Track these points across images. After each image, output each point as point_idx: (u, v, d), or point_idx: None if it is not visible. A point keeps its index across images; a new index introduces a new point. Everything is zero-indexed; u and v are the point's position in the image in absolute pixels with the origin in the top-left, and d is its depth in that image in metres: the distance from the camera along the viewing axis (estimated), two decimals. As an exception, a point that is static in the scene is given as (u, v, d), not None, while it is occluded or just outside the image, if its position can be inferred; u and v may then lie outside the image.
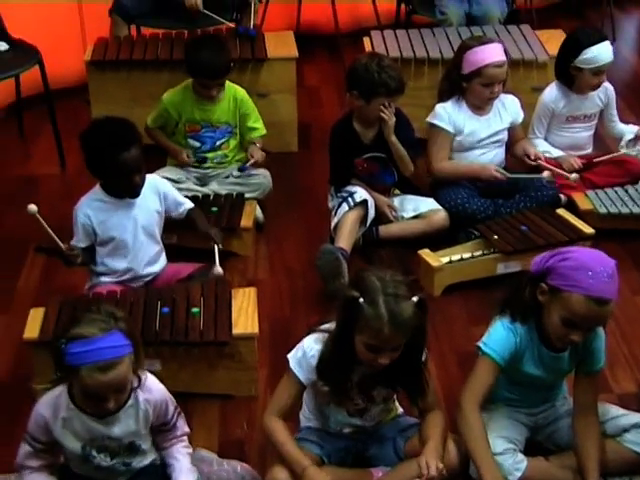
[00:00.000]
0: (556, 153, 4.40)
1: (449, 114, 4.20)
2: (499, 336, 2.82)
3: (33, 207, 3.26)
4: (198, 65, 4.21)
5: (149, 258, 3.62)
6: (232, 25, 5.04)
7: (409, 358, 2.68)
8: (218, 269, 3.56)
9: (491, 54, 4.09)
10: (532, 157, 4.25)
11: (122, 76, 4.74)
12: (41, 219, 3.29)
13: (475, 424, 2.77)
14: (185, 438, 2.81)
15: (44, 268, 4.03)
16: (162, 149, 4.45)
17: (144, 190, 3.53)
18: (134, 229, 3.54)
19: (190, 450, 2.82)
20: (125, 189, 3.48)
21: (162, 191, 3.63)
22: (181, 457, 2.77)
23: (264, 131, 4.45)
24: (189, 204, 3.75)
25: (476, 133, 4.23)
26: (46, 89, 4.73)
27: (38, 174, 4.79)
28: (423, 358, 2.76)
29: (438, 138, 4.23)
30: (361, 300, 2.56)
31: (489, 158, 4.26)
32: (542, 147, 4.39)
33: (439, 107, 4.22)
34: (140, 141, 3.46)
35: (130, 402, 2.63)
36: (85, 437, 2.63)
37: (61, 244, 3.38)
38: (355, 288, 2.61)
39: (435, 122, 4.20)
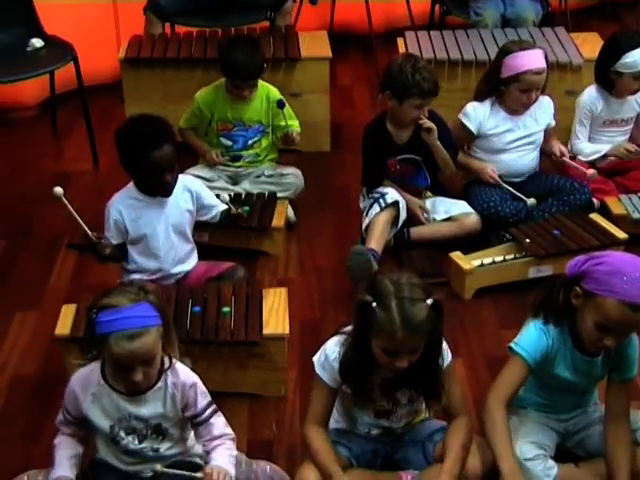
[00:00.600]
0: (592, 148, 4.38)
1: (477, 114, 4.20)
2: (531, 337, 2.81)
3: (59, 190, 3.28)
4: (232, 66, 4.22)
5: (180, 257, 3.63)
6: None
7: (425, 360, 2.67)
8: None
9: (531, 60, 4.07)
10: (558, 154, 4.24)
11: (156, 74, 4.76)
12: (68, 203, 3.31)
13: (498, 419, 2.74)
14: (229, 442, 2.73)
15: (76, 265, 4.05)
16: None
17: (176, 189, 3.53)
18: (165, 228, 3.55)
19: (234, 452, 2.74)
20: (157, 187, 3.49)
21: (194, 190, 3.63)
22: (218, 456, 2.68)
23: (299, 128, 4.40)
24: (222, 206, 3.76)
25: (510, 134, 4.22)
26: (80, 86, 4.75)
27: (71, 171, 4.82)
28: (447, 362, 2.75)
29: (459, 132, 4.23)
30: (374, 304, 2.55)
31: (525, 162, 4.25)
32: (589, 149, 4.37)
33: (469, 106, 4.23)
34: (174, 140, 3.47)
35: (159, 385, 2.65)
36: (113, 416, 2.65)
37: (89, 231, 3.40)
38: (369, 292, 2.60)
39: (461, 118, 4.22)
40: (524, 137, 4.24)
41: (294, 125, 4.38)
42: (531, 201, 4.11)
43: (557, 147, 4.27)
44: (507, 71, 4.10)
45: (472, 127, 4.20)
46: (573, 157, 4.33)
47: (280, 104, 4.29)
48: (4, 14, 4.81)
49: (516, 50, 4.11)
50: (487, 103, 4.22)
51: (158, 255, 3.56)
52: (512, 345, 2.82)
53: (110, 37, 5.49)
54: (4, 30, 4.79)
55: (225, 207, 3.77)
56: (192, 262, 3.69)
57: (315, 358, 2.77)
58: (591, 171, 4.16)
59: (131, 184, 3.53)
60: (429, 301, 2.55)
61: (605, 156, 4.37)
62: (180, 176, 3.57)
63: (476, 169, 4.23)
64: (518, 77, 4.07)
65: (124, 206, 3.51)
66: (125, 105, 4.82)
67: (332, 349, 2.73)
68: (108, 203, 3.54)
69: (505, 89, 4.14)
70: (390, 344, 2.56)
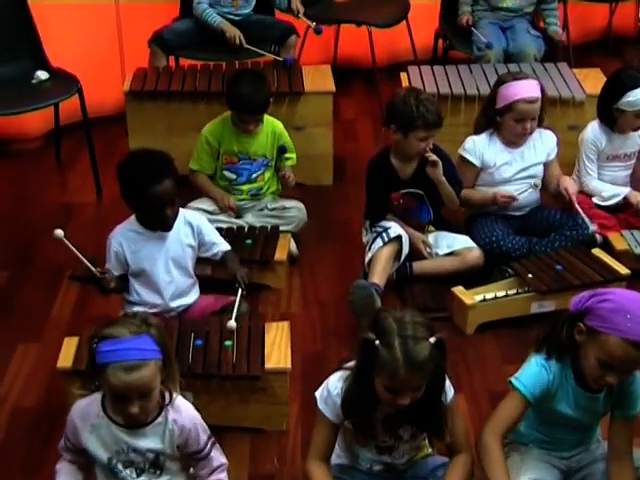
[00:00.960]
0: (612, 191, 4.38)
1: (477, 147, 4.22)
2: (531, 372, 2.80)
3: (59, 232, 3.29)
4: (238, 100, 4.24)
5: (181, 291, 3.62)
6: (274, 57, 5.07)
7: (427, 397, 2.66)
8: (232, 323, 3.35)
9: (523, 89, 4.09)
10: (565, 195, 4.24)
11: (160, 106, 4.77)
12: (69, 243, 3.31)
13: (494, 453, 2.73)
14: (223, 470, 2.78)
15: (78, 296, 4.05)
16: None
17: (177, 224, 3.54)
18: (165, 261, 3.55)
19: None
20: (157, 221, 3.49)
21: (195, 225, 3.62)
22: None
23: (294, 162, 4.46)
24: (224, 246, 3.71)
25: (508, 166, 4.23)
26: (85, 118, 4.77)
27: (74, 202, 4.83)
28: (450, 397, 2.74)
29: (462, 168, 4.24)
30: (377, 342, 2.55)
31: (525, 195, 4.25)
32: (600, 187, 4.38)
33: (469, 140, 4.25)
34: (175, 174, 3.47)
35: (159, 420, 2.64)
36: (111, 448, 2.65)
37: (93, 267, 3.40)
38: (372, 330, 2.59)
39: (462, 154, 4.24)
40: (523, 170, 4.25)
41: (291, 158, 4.41)
42: (592, 228, 4.12)
43: (567, 184, 4.26)
44: (501, 101, 4.13)
45: (475, 160, 4.22)
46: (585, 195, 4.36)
47: (282, 150, 4.34)
48: (10, 46, 4.83)
49: (509, 80, 4.15)
50: (484, 135, 4.24)
51: (158, 288, 3.56)
52: (512, 379, 2.82)
53: (115, 69, 5.52)
54: (10, 62, 4.81)
55: (228, 247, 3.72)
56: (193, 296, 3.69)
57: (318, 393, 2.77)
58: (592, 227, 4.15)
59: (133, 217, 3.54)
60: (432, 339, 2.55)
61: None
62: (182, 210, 3.58)
63: (480, 197, 4.23)
64: (511, 106, 4.10)
65: (125, 238, 3.51)
66: (129, 137, 4.83)
67: (335, 385, 2.73)
68: (110, 235, 3.54)
69: (501, 120, 4.16)
70: (393, 382, 2.56)
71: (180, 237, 3.57)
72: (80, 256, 3.35)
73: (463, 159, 4.24)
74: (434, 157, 3.98)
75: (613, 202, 4.38)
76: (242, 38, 5.07)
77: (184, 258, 3.60)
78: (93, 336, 2.59)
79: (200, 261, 3.72)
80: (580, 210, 4.18)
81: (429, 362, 2.54)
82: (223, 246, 3.71)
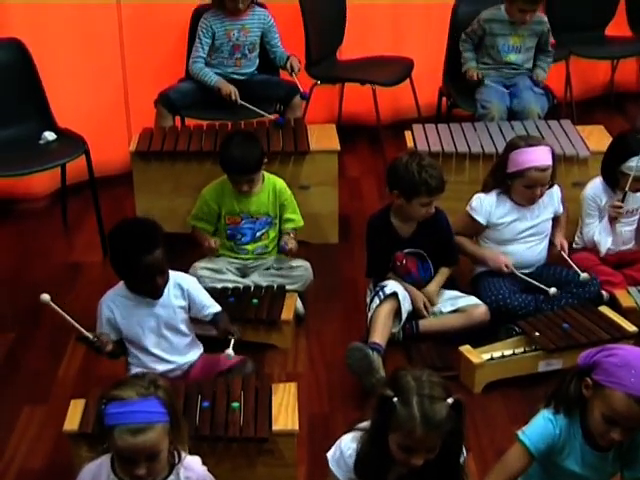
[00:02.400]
0: (605, 246, 4.39)
1: (484, 206, 4.23)
2: (538, 426, 2.80)
3: (46, 296, 3.29)
4: (227, 161, 4.29)
5: (178, 351, 3.61)
6: (271, 117, 5.11)
7: (444, 460, 2.64)
8: (229, 352, 3.51)
9: (536, 157, 4.11)
10: (558, 247, 4.26)
11: (166, 166, 4.79)
12: (57, 307, 3.32)
13: None
14: None
15: (84, 358, 4.03)
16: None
17: (167, 286, 3.53)
18: (157, 325, 3.54)
19: None
20: (146, 290, 3.49)
21: (186, 288, 3.59)
22: None
23: (301, 223, 4.48)
24: (215, 308, 3.65)
25: (517, 225, 4.24)
26: (91, 178, 4.79)
27: (81, 262, 4.84)
28: (462, 460, 2.73)
29: (469, 225, 4.28)
30: (395, 400, 2.54)
31: (534, 253, 4.27)
32: (598, 239, 4.38)
33: (475, 198, 4.26)
34: (163, 243, 3.45)
35: (171, 478, 2.64)
36: None
37: (85, 332, 3.39)
38: (390, 387, 2.59)
39: (469, 211, 4.25)
40: (532, 227, 4.26)
41: (296, 220, 4.43)
42: (553, 290, 4.11)
43: (559, 239, 4.30)
44: (512, 166, 4.15)
45: (481, 219, 4.23)
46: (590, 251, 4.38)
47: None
48: (18, 108, 4.87)
49: (522, 146, 4.15)
50: (493, 194, 4.25)
51: (152, 352, 3.55)
52: (518, 432, 2.82)
53: (121, 129, 5.57)
54: (18, 123, 4.86)
55: (218, 309, 3.67)
56: (194, 353, 3.67)
57: (329, 454, 2.76)
58: (584, 275, 4.14)
59: (122, 283, 3.54)
60: (450, 400, 2.54)
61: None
62: (172, 273, 3.56)
63: (488, 258, 4.23)
64: (522, 173, 4.12)
65: (115, 304, 3.52)
66: (135, 197, 4.85)
67: (348, 445, 2.72)
68: (100, 300, 3.55)
69: (511, 183, 4.18)
70: (408, 441, 2.54)
71: (170, 300, 3.55)
72: (70, 320, 3.35)
73: (470, 217, 4.25)
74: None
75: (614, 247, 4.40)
76: (237, 95, 5.12)
77: (175, 320, 3.57)
78: (102, 397, 2.60)
79: (203, 322, 3.71)
80: (569, 260, 4.18)
81: (446, 423, 2.53)
82: (213, 308, 3.65)
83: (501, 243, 4.27)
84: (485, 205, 4.23)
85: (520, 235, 4.26)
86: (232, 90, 5.13)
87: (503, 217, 4.23)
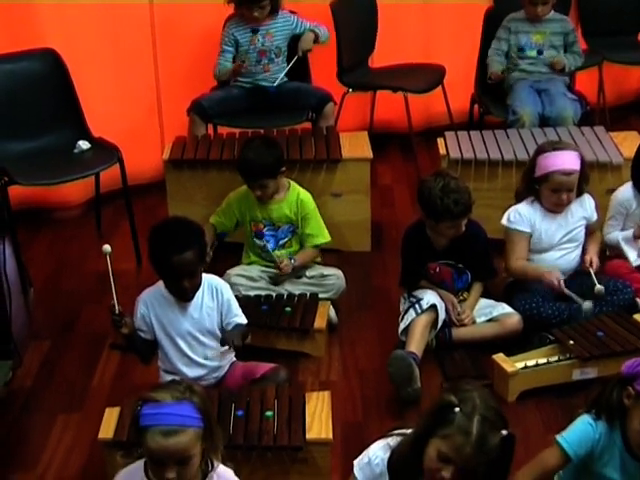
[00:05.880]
0: (631, 252, 4.36)
1: (523, 215, 4.20)
2: (577, 431, 2.81)
3: (108, 247, 3.41)
4: (241, 164, 4.34)
5: (211, 354, 3.61)
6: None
7: None
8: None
9: (561, 161, 4.10)
10: (587, 263, 4.19)
11: (199, 175, 4.82)
12: (110, 265, 3.42)
13: None
14: None
15: (119, 365, 4.06)
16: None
17: (203, 288, 3.54)
18: (191, 327, 3.54)
19: None
20: (173, 291, 3.51)
21: (220, 291, 3.57)
22: None
23: (323, 239, 4.43)
24: (241, 319, 3.61)
25: (551, 233, 4.22)
26: (125, 187, 4.82)
27: (114, 270, 4.84)
28: None
29: (515, 238, 4.22)
30: (457, 409, 2.51)
31: (568, 260, 4.25)
32: (616, 238, 4.37)
33: (512, 212, 4.23)
34: (200, 248, 3.45)
35: None
36: None
37: (116, 302, 3.44)
38: (454, 395, 2.55)
39: (509, 226, 4.21)
40: (565, 235, 4.24)
41: (315, 236, 4.40)
42: (586, 305, 4.09)
43: (589, 255, 4.22)
44: (539, 170, 4.14)
45: (526, 228, 4.20)
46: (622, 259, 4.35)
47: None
48: (53, 117, 4.92)
49: (549, 150, 4.15)
50: (525, 204, 4.24)
51: (185, 353, 3.55)
52: (557, 437, 2.83)
53: (154, 138, 5.61)
54: (52, 133, 4.91)
55: (243, 321, 3.63)
56: (226, 359, 3.67)
57: (356, 460, 2.74)
58: (598, 287, 4.08)
59: (161, 281, 3.55)
60: (504, 432, 2.51)
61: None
62: (208, 276, 3.57)
63: (538, 275, 4.17)
64: (547, 176, 4.11)
65: (151, 302, 3.54)
66: (168, 205, 4.88)
67: (376, 454, 2.70)
68: (138, 297, 3.58)
69: (538, 188, 4.17)
70: (453, 453, 2.49)
71: (204, 302, 3.56)
72: (112, 283, 3.41)
73: (511, 230, 4.22)
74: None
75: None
76: (245, 68, 5.20)
77: (209, 323, 3.57)
78: (139, 399, 2.62)
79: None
80: (593, 276, 4.10)
81: (494, 452, 2.48)
82: (239, 318, 3.61)
83: (539, 252, 4.25)
84: (524, 214, 4.21)
85: (553, 243, 4.24)
86: (240, 65, 5.20)
87: (539, 226, 4.22)
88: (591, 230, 4.34)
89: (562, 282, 4.10)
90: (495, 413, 2.53)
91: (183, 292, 3.49)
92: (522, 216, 4.20)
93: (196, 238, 3.48)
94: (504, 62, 5.60)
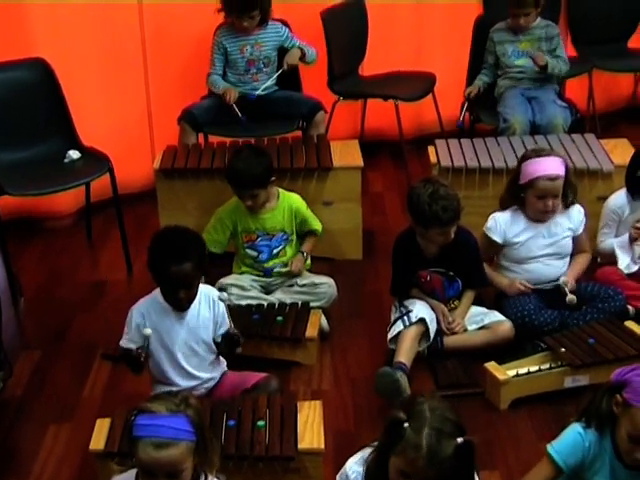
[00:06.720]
0: (623, 259, 4.36)
1: (499, 224, 4.22)
2: (567, 440, 2.80)
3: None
4: (230, 174, 4.34)
5: (204, 366, 3.61)
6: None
7: None
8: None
9: (545, 167, 4.11)
10: (561, 281, 4.18)
11: (190, 184, 4.81)
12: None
13: None
14: None
15: (110, 376, 4.05)
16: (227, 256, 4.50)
17: (199, 298, 3.53)
18: (186, 336, 3.54)
19: None
20: (170, 300, 3.50)
21: (216, 302, 3.58)
22: None
23: (320, 226, 4.49)
24: (230, 328, 3.61)
25: (533, 242, 4.22)
26: (115, 197, 4.82)
27: (105, 279, 4.86)
28: None
29: (486, 245, 4.25)
30: (406, 425, 2.50)
31: (552, 270, 4.24)
32: (610, 246, 4.37)
33: (491, 218, 4.26)
34: (200, 258, 3.45)
35: None
36: None
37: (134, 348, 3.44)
38: (404, 411, 2.54)
39: (485, 231, 4.25)
40: (549, 245, 4.23)
41: (316, 225, 4.46)
42: (570, 297, 4.11)
43: (569, 276, 4.20)
44: (523, 177, 4.15)
45: (497, 238, 4.22)
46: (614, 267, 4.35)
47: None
48: (43, 127, 4.93)
49: (532, 156, 4.17)
50: (508, 212, 4.25)
51: (179, 363, 3.54)
52: (547, 446, 2.83)
53: (145, 147, 5.61)
54: (42, 142, 4.91)
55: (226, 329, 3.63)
56: (218, 370, 3.67)
57: (337, 475, 2.75)
58: (570, 297, 4.11)
59: (157, 289, 3.54)
60: (459, 440, 2.48)
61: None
62: (204, 286, 3.58)
63: (504, 286, 4.22)
64: (532, 183, 4.11)
65: (147, 311, 3.52)
66: (159, 214, 4.87)
67: (352, 468, 2.71)
68: (132, 307, 3.56)
69: (524, 196, 4.17)
70: (409, 468, 2.48)
71: (201, 312, 3.56)
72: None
73: (486, 236, 4.25)
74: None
75: (634, 268, 4.34)
76: (234, 97, 5.16)
77: (207, 333, 3.57)
78: (134, 408, 2.61)
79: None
80: (568, 293, 4.11)
81: (450, 461, 2.45)
82: (224, 328, 3.60)
83: (519, 262, 4.25)
84: (500, 223, 4.22)
85: (538, 253, 4.23)
86: (232, 94, 5.17)
87: (518, 235, 4.22)
88: (578, 249, 4.31)
89: (526, 284, 4.15)
90: (444, 422, 2.49)
91: (178, 302, 3.48)
92: (497, 225, 4.22)
93: (196, 249, 3.48)
94: (490, 75, 5.64)
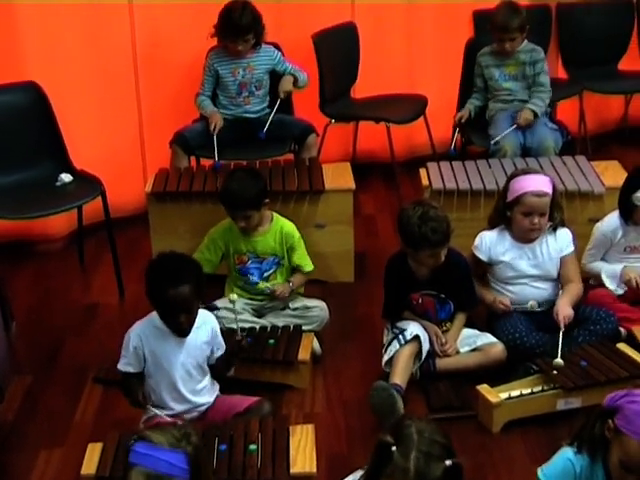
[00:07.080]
0: (610, 271, 4.38)
1: (484, 243, 4.24)
2: (557, 465, 2.79)
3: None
4: (223, 195, 4.35)
5: (199, 390, 3.61)
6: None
7: None
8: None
9: (532, 183, 4.12)
10: (554, 314, 4.06)
11: (182, 207, 4.81)
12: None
13: None
14: None
15: (102, 399, 4.03)
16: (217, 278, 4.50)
17: (198, 322, 3.54)
18: (184, 360, 3.54)
19: None
20: (171, 327, 3.50)
21: (211, 326, 3.61)
22: None
23: (310, 268, 4.46)
24: (221, 352, 3.67)
25: (517, 262, 4.22)
26: (107, 220, 4.81)
27: (97, 303, 4.85)
28: None
29: (473, 263, 4.26)
30: (394, 449, 2.49)
31: (539, 292, 4.24)
32: (598, 267, 4.40)
33: (479, 237, 4.27)
34: (198, 282, 3.46)
35: None
36: None
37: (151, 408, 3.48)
38: (392, 434, 2.53)
39: (473, 250, 4.27)
40: (534, 267, 4.23)
41: (304, 266, 4.43)
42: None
43: (559, 308, 4.07)
44: (511, 195, 4.16)
45: (482, 257, 4.24)
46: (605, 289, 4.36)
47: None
48: (34, 150, 4.92)
49: (519, 174, 4.19)
50: (495, 231, 4.27)
51: (176, 387, 3.54)
52: (538, 470, 2.83)
53: (137, 170, 5.61)
54: (34, 166, 4.90)
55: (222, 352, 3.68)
56: (212, 394, 3.67)
57: None
58: (557, 360, 3.90)
59: (154, 312, 3.54)
60: (448, 462, 2.47)
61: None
62: (202, 311, 3.58)
63: (489, 302, 4.23)
64: (519, 199, 4.12)
65: (145, 334, 3.52)
66: (152, 238, 4.86)
67: None
68: (129, 330, 3.56)
69: (510, 214, 4.18)
70: None
71: (198, 336, 3.57)
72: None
73: (473, 255, 4.27)
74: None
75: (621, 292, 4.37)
76: (218, 126, 5.17)
77: (202, 357, 3.59)
78: (135, 433, 2.61)
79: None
80: (560, 337, 3.95)
81: None
82: (219, 353, 3.67)
83: (504, 281, 4.26)
84: (485, 242, 4.24)
85: (523, 274, 4.23)
86: (216, 122, 5.18)
87: (503, 254, 4.22)
88: (567, 279, 4.24)
89: (507, 303, 4.15)
90: (432, 445, 2.48)
91: (180, 327, 3.48)
92: (483, 243, 4.24)
93: (192, 272, 3.48)
94: (481, 98, 5.67)
